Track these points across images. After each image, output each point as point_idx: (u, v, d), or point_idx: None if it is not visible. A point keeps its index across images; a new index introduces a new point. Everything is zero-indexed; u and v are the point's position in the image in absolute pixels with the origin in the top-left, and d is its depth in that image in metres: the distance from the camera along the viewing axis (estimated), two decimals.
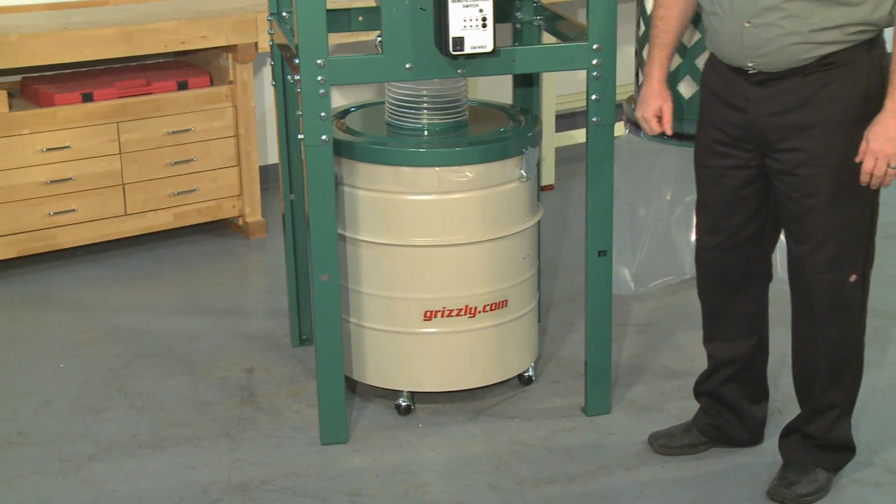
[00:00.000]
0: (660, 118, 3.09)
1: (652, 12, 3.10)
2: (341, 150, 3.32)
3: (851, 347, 2.97)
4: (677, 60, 3.89)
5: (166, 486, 3.16)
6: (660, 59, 3.07)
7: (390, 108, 3.47)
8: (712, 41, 2.89)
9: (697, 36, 3.87)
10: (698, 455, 3.26)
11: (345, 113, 3.63)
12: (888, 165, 2.69)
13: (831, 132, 2.77)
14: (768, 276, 3.11)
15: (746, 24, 2.77)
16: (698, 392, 3.28)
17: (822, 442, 3.05)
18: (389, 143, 3.35)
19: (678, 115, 3.52)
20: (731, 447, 3.27)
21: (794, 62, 2.75)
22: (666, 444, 3.28)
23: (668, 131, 3.11)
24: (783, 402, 3.48)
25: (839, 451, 3.08)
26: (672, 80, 3.53)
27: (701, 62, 3.86)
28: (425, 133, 3.41)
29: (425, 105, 3.41)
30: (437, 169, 3.28)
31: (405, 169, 3.28)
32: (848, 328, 2.94)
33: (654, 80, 3.08)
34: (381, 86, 5.05)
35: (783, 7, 2.71)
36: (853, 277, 2.88)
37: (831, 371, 2.97)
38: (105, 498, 3.12)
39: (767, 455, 3.24)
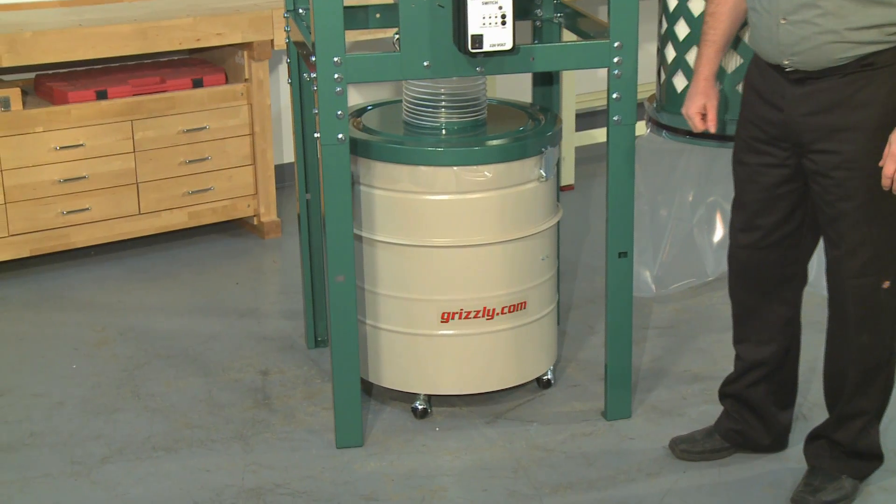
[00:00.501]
0: (704, 116, 3.08)
1: (705, 8, 3.09)
2: (358, 148, 3.32)
3: (883, 354, 2.95)
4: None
5: (179, 489, 3.17)
6: (707, 56, 3.06)
7: (408, 107, 3.47)
8: (752, 37, 2.90)
9: None
10: (721, 461, 3.25)
11: (361, 111, 3.63)
12: None
13: (867, 136, 2.74)
14: (803, 279, 3.08)
15: (782, 21, 2.75)
16: (723, 394, 3.26)
17: (850, 449, 3.03)
18: (407, 141, 3.34)
19: None
20: (754, 453, 3.26)
21: (831, 62, 2.73)
22: (687, 449, 3.26)
23: (712, 129, 3.11)
24: (808, 408, 3.46)
25: (866, 458, 3.06)
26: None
27: (724, 61, 3.84)
28: (443, 132, 3.40)
29: (443, 103, 3.41)
30: (454, 168, 3.28)
31: (422, 168, 3.28)
32: (880, 335, 2.91)
33: (700, 77, 3.08)
34: (398, 84, 5.05)
35: (819, 4, 2.68)
36: (886, 284, 2.86)
37: (861, 377, 2.95)
38: (117, 501, 3.12)
39: (792, 461, 3.22)
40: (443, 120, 3.41)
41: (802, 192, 2.92)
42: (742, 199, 3.02)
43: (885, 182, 2.71)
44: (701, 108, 3.07)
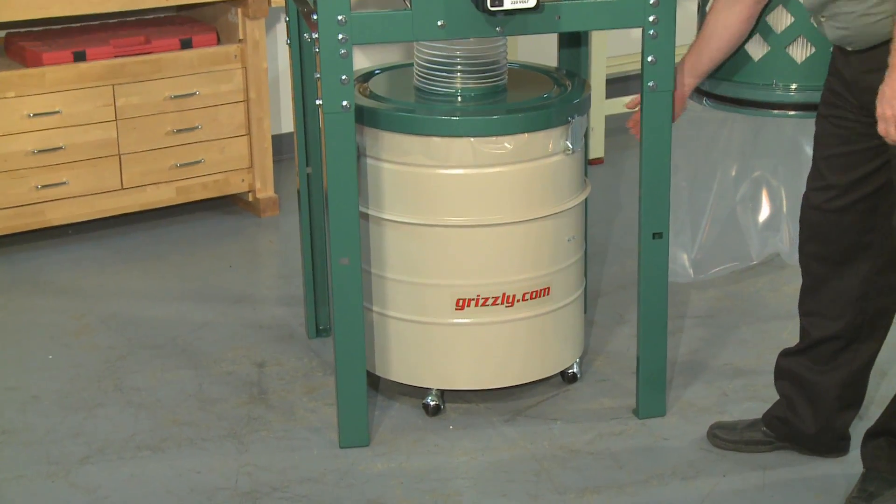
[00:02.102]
0: None
1: None
2: (364, 117, 3.34)
3: None
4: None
5: (167, 493, 3.20)
6: (684, 62, 3.33)
7: (420, 71, 3.48)
8: None
9: None
10: (766, 464, 3.26)
11: (368, 76, 3.64)
12: None
13: None
14: (881, 250, 3.08)
15: (822, 19, 2.90)
16: (780, 370, 3.26)
17: None
18: (418, 109, 3.36)
19: (746, 78, 3.52)
20: (796, 448, 3.27)
21: (882, 37, 2.81)
22: (721, 435, 3.32)
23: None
24: (864, 407, 3.46)
25: None
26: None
27: (772, 19, 3.85)
28: (459, 99, 3.42)
29: (459, 68, 3.42)
30: (471, 139, 3.29)
31: (436, 139, 3.30)
32: None
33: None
34: (409, 46, 5.06)
35: None
36: None
37: None
38: None
39: (846, 464, 3.23)
40: (458, 86, 3.43)
41: (882, 153, 2.95)
42: (816, 155, 3.07)
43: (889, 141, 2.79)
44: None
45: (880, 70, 2.82)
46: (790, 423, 3.25)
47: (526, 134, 3.32)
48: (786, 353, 3.27)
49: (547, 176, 3.39)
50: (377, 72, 3.69)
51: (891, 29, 2.76)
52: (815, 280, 3.15)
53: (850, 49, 2.89)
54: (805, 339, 3.20)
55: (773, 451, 3.30)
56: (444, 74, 3.43)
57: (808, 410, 3.22)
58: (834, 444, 3.26)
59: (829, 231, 3.07)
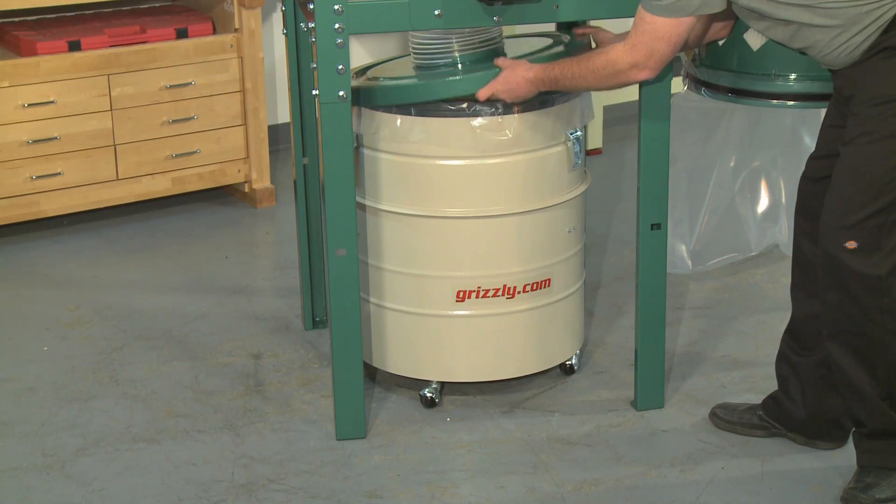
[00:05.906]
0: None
1: None
2: (360, 97, 3.30)
3: (858, 324, 2.93)
4: None
5: (162, 485, 3.20)
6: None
7: (415, 49, 3.44)
8: None
9: None
10: (765, 455, 3.27)
11: (365, 71, 3.63)
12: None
13: (868, 73, 2.87)
14: None
15: (817, 59, 2.98)
16: (779, 350, 3.28)
17: (882, 431, 3.04)
18: (418, 78, 3.33)
19: (745, 68, 3.53)
20: (790, 433, 3.27)
21: (854, 59, 2.87)
22: (720, 414, 3.37)
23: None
24: None
25: None
26: (739, 29, 3.54)
27: None
28: (459, 67, 3.38)
29: (455, 48, 3.39)
30: (473, 124, 3.26)
31: (435, 123, 3.26)
32: (851, 299, 2.91)
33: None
34: (404, 41, 5.06)
35: (804, 45, 2.92)
36: (851, 244, 2.88)
37: (841, 345, 2.97)
38: (94, 497, 3.16)
39: (846, 455, 3.23)
40: (456, 55, 3.39)
41: None
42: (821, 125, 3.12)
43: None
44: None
45: (856, 82, 2.89)
46: (782, 405, 3.27)
47: (527, 114, 3.29)
48: (784, 332, 3.28)
49: (547, 167, 3.39)
50: (374, 67, 3.68)
51: (858, 54, 2.85)
52: (799, 253, 3.17)
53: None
54: (791, 318, 3.23)
55: (768, 436, 3.31)
56: (441, 49, 3.38)
57: (798, 393, 3.24)
58: (825, 430, 3.26)
59: (811, 202, 3.08)
